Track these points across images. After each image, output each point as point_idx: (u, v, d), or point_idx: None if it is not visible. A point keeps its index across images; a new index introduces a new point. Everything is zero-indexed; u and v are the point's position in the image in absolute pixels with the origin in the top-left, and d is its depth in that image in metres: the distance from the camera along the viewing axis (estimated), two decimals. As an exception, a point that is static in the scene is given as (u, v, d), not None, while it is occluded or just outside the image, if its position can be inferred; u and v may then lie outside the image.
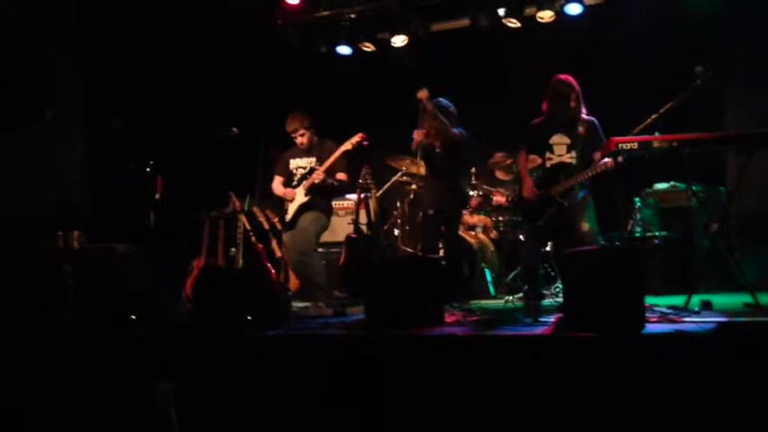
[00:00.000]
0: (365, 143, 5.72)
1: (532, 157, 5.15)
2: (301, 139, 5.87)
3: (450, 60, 7.19)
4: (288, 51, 7.34)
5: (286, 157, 6.03)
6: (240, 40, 7.30)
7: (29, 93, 6.31)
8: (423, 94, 5.31)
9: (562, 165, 4.94)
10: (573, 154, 4.91)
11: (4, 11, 6.36)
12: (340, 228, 6.50)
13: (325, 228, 5.93)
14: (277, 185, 6.02)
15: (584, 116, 4.94)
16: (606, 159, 4.65)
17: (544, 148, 5.01)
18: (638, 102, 4.82)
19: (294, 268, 5.59)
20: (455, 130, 5.53)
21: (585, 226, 4.83)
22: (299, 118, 5.86)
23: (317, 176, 5.67)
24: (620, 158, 4.48)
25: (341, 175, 5.83)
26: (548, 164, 5.00)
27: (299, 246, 5.70)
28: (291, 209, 5.83)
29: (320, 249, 6.22)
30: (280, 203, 5.95)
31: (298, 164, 5.96)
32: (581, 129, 4.87)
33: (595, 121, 4.95)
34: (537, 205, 4.98)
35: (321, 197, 5.84)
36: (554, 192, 4.90)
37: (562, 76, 4.93)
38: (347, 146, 5.71)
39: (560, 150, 4.95)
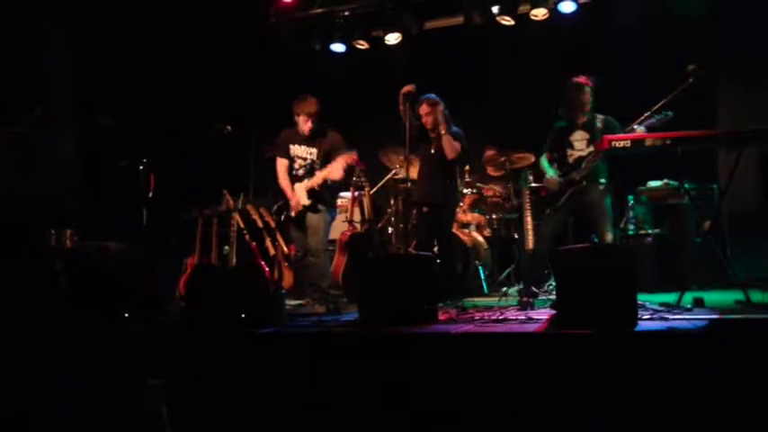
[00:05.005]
0: (357, 165, 5.69)
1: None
2: (303, 126, 5.66)
3: (444, 58, 7.19)
4: (282, 49, 7.33)
5: (285, 138, 5.80)
6: (234, 38, 7.27)
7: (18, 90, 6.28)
8: (408, 88, 5.34)
9: (582, 158, 5.10)
10: (593, 148, 5.07)
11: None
12: (334, 226, 6.47)
13: (330, 222, 5.85)
14: (282, 171, 5.78)
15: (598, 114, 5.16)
16: None
17: (565, 145, 5.19)
18: (631, 100, 4.85)
19: (296, 266, 5.56)
20: (453, 129, 5.53)
21: (609, 236, 4.99)
22: (310, 103, 5.63)
23: (316, 183, 5.58)
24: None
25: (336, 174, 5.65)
26: (570, 159, 5.16)
27: (312, 243, 5.63)
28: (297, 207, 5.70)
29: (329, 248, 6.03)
30: (278, 192, 5.81)
31: (296, 152, 5.76)
32: (599, 124, 5.07)
33: (612, 119, 5.10)
34: (558, 191, 5.13)
35: (325, 193, 5.73)
36: (577, 175, 5.05)
37: (580, 79, 5.11)
38: (341, 166, 5.51)
39: (581, 146, 5.13)
